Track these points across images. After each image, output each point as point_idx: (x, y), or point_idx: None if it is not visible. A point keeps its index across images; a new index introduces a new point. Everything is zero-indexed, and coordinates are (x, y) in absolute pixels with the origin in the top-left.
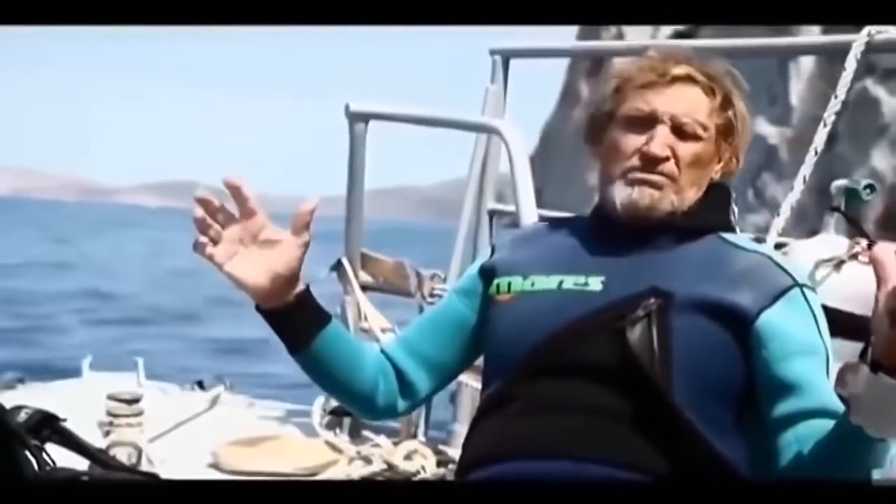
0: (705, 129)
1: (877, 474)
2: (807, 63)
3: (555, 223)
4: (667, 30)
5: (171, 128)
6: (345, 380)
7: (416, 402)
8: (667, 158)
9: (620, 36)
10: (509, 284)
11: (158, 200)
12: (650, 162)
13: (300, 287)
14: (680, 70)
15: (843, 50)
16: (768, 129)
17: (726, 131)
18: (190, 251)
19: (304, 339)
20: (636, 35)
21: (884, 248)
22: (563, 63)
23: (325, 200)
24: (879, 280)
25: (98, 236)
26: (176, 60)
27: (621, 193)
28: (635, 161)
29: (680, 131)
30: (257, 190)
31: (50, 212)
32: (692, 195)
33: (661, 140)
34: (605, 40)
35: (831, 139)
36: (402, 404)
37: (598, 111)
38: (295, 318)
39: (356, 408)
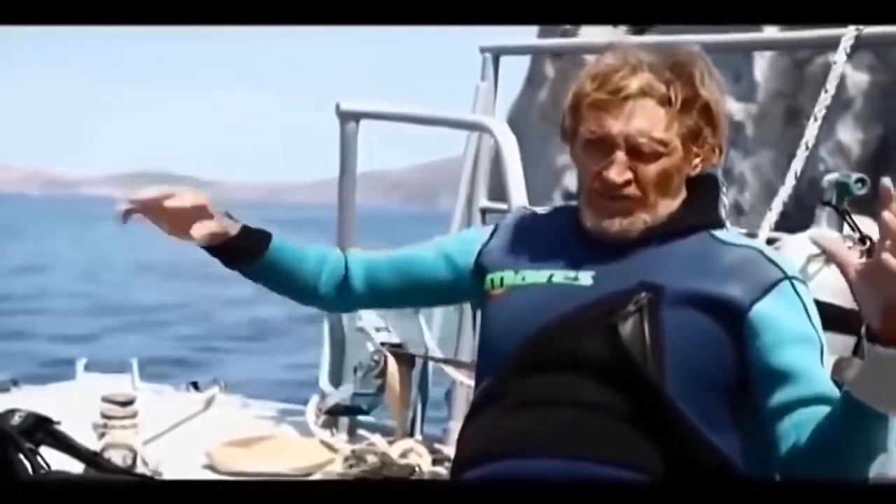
0: (665, 144)
1: (872, 472)
2: (768, 35)
3: (546, 214)
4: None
5: (140, 120)
6: (289, 278)
7: (346, 309)
8: (627, 183)
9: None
10: (501, 279)
11: (123, 191)
12: (610, 188)
13: (238, 224)
14: (633, 85)
15: (833, 44)
16: (734, 106)
17: (693, 135)
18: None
19: (255, 256)
20: (595, 32)
21: (825, 239)
22: (513, 62)
23: (312, 191)
24: (842, 268)
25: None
26: (145, 55)
27: (589, 220)
28: (597, 185)
29: (638, 152)
30: (230, 178)
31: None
32: (666, 206)
33: (618, 167)
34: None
35: (796, 114)
36: (336, 304)
37: (562, 125)
38: (242, 242)
39: (296, 297)
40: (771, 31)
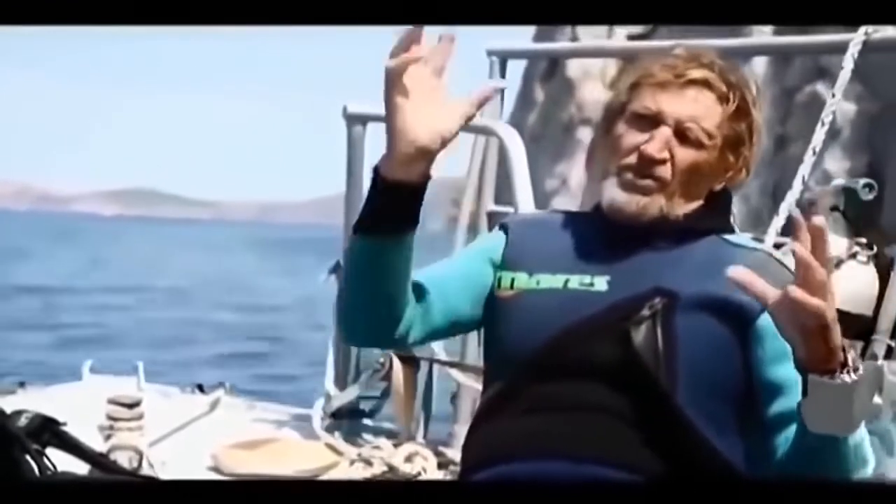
0: (710, 137)
1: (866, 472)
2: (759, 65)
3: (560, 217)
4: (622, 31)
5: (130, 133)
6: (390, 294)
7: (423, 339)
8: (663, 161)
9: (575, 37)
10: (513, 280)
11: (115, 208)
12: (646, 162)
13: (427, 174)
14: (698, 73)
15: (841, 48)
16: None
17: (735, 142)
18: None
19: (402, 224)
20: (590, 35)
21: (740, 273)
22: (519, 67)
23: (310, 210)
24: (762, 301)
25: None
26: (140, 67)
27: (610, 194)
28: (632, 159)
29: (682, 136)
30: (226, 197)
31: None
32: (685, 202)
33: (659, 142)
34: (562, 40)
35: (783, 141)
36: (412, 335)
37: (613, 101)
38: (412, 198)
39: (378, 326)
40: (767, 36)
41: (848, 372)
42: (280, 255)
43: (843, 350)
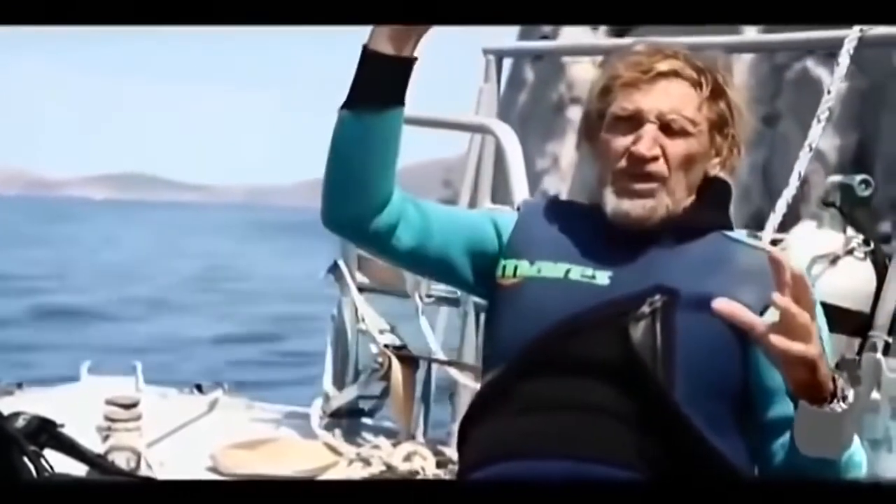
0: (694, 124)
1: (860, 473)
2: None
3: (570, 207)
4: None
5: (124, 121)
6: (371, 173)
7: (408, 252)
8: (655, 158)
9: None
10: (515, 268)
11: (107, 193)
12: (638, 162)
13: (412, 53)
14: (665, 65)
15: (836, 45)
16: None
17: (719, 124)
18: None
19: (387, 99)
20: (576, 33)
21: (729, 305)
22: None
23: (301, 193)
24: (748, 330)
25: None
26: (130, 55)
27: (611, 202)
28: (624, 163)
29: (668, 129)
30: (216, 181)
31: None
32: (686, 194)
33: (648, 140)
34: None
35: (773, 119)
36: (398, 238)
37: (589, 110)
38: (397, 73)
39: (358, 205)
40: (778, 35)
41: (837, 401)
42: (278, 237)
43: (833, 380)
